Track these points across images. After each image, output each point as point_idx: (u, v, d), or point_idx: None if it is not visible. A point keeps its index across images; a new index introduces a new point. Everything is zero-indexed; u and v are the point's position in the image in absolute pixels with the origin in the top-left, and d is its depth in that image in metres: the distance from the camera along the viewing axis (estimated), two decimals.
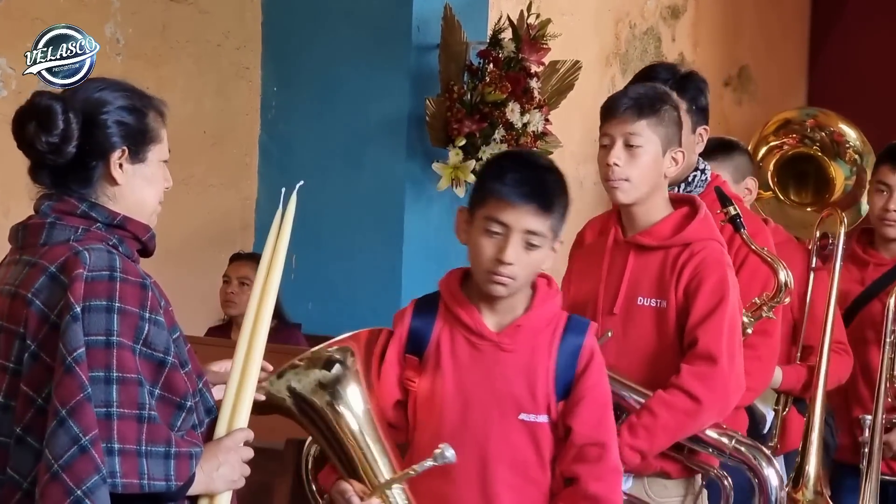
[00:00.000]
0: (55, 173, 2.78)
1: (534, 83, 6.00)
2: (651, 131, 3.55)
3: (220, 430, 2.82)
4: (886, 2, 8.66)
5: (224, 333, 5.97)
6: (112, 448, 2.61)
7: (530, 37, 5.97)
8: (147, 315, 2.68)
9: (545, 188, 3.13)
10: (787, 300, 3.90)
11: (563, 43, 6.29)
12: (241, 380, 2.86)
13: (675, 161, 3.60)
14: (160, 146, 2.84)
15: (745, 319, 3.75)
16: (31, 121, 2.74)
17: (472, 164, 5.89)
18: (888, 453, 4.65)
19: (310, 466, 3.35)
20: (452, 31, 5.94)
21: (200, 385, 2.81)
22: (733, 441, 3.51)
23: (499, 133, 5.88)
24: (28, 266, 2.73)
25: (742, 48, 8.56)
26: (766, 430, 4.46)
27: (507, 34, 5.97)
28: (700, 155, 4.02)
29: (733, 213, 3.80)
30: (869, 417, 4.46)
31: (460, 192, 5.95)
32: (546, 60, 6.08)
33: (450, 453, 3.01)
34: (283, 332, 5.75)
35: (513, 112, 5.89)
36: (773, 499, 3.51)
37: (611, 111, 3.59)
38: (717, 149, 4.52)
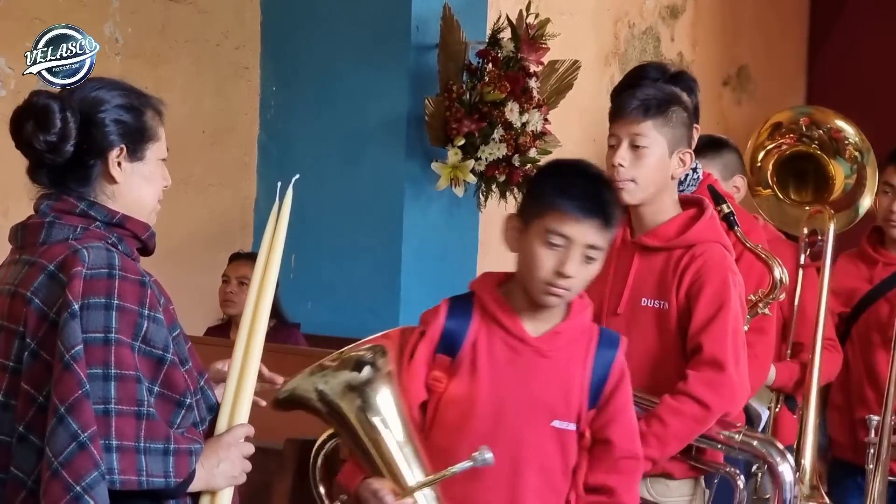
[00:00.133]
0: (53, 172, 2.78)
1: (533, 83, 6.00)
2: (657, 132, 3.55)
3: (221, 426, 2.83)
4: (886, 1, 8.66)
5: (223, 333, 5.97)
6: (110, 445, 2.62)
7: (529, 36, 5.97)
8: (146, 312, 2.69)
9: (607, 203, 3.14)
10: (783, 296, 3.92)
11: (562, 42, 6.29)
12: (241, 375, 2.86)
13: (682, 162, 3.60)
14: (158, 144, 2.85)
15: None
16: (29, 120, 2.74)
17: (471, 163, 5.89)
18: (895, 454, 4.64)
19: (318, 466, 3.31)
20: (451, 30, 5.95)
21: (202, 383, 2.81)
22: (740, 435, 3.51)
23: (498, 133, 5.88)
24: (27, 265, 2.74)
25: (741, 48, 8.56)
26: (760, 429, 4.46)
27: (506, 34, 5.97)
28: None
29: (727, 210, 3.80)
30: (875, 418, 4.44)
31: (459, 191, 5.95)
32: (545, 60, 6.08)
33: (489, 455, 3.00)
34: (283, 331, 5.75)
35: (512, 112, 5.89)
36: (788, 497, 3.49)
37: (618, 111, 3.59)
38: (706, 146, 4.53)
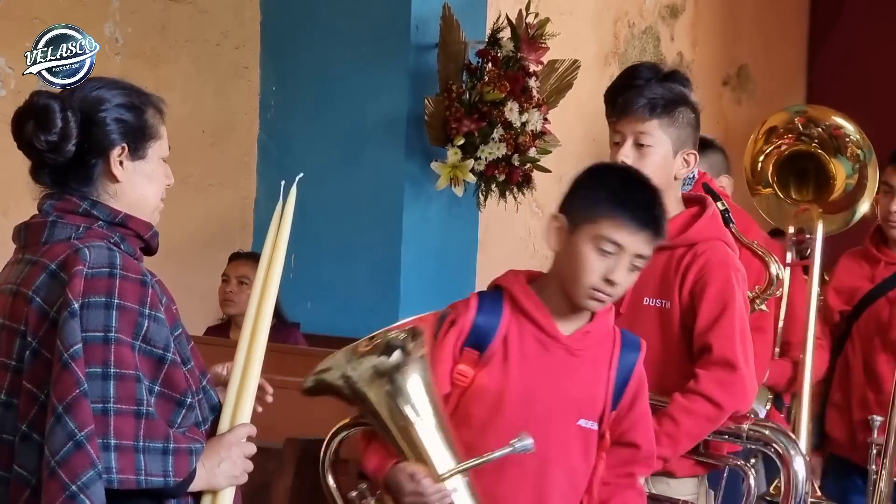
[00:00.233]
0: (55, 172, 2.78)
1: (532, 82, 6.00)
2: (662, 132, 3.55)
3: (223, 425, 2.82)
4: (885, 1, 8.66)
5: (223, 333, 5.97)
6: (108, 443, 2.62)
7: (529, 36, 5.97)
8: (147, 311, 2.69)
9: (661, 216, 3.17)
10: (780, 292, 3.92)
11: (561, 42, 6.29)
12: (244, 375, 2.85)
13: (686, 162, 3.60)
14: (160, 143, 2.85)
15: None
16: (30, 120, 2.74)
17: (471, 163, 5.89)
18: None
19: (328, 459, 3.25)
20: (451, 30, 5.95)
21: (204, 382, 2.81)
22: (747, 424, 3.50)
23: (497, 132, 5.88)
24: (29, 264, 2.74)
25: (741, 47, 8.56)
26: None
27: (506, 33, 5.97)
28: None
29: (721, 208, 3.80)
30: (878, 418, 4.44)
31: (459, 191, 5.96)
32: (545, 59, 6.08)
33: (529, 441, 2.99)
34: (282, 331, 5.76)
35: (511, 111, 5.90)
36: (801, 493, 3.48)
37: (625, 109, 3.59)
38: None
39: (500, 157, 5.90)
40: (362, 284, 6.15)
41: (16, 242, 2.83)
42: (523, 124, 5.93)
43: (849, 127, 5.00)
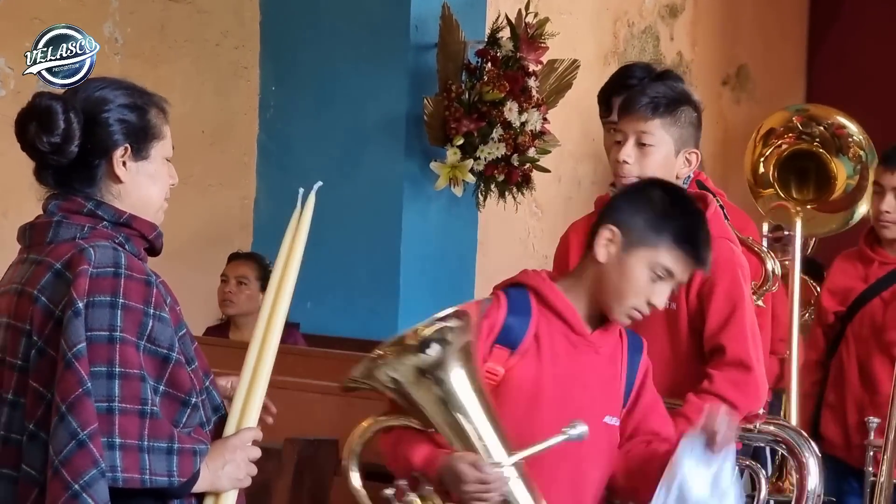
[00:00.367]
0: (59, 173, 2.78)
1: (532, 82, 6.00)
2: (664, 131, 3.55)
3: (230, 428, 2.82)
4: (884, 1, 8.66)
5: (222, 333, 5.97)
6: (113, 442, 2.62)
7: (528, 36, 5.97)
8: (151, 311, 2.69)
9: (710, 254, 3.25)
10: (776, 288, 3.93)
11: (561, 42, 6.29)
12: (252, 379, 2.85)
13: (688, 162, 3.60)
14: (163, 143, 2.84)
15: None
16: (32, 122, 2.74)
17: (470, 163, 5.90)
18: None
19: (357, 458, 3.13)
20: (450, 30, 5.95)
21: (207, 383, 2.81)
22: (758, 423, 3.50)
23: (497, 132, 5.89)
24: (34, 264, 2.74)
25: (740, 47, 8.56)
26: None
27: (506, 33, 5.98)
28: None
29: (717, 205, 3.80)
30: (875, 420, 4.43)
31: (458, 191, 5.96)
32: (544, 59, 6.08)
33: (584, 429, 3.00)
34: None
35: (511, 111, 5.90)
36: (813, 495, 3.47)
37: (627, 108, 3.59)
38: None
39: (500, 157, 5.90)
40: (362, 284, 6.15)
41: (20, 242, 2.83)
42: (522, 124, 5.94)
43: (852, 127, 4.99)
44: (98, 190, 2.78)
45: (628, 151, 3.55)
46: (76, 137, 2.74)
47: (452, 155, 5.90)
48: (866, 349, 4.72)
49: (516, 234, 6.99)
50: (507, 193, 6.07)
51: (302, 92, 6.33)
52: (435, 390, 3.00)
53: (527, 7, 6.01)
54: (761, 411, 4.41)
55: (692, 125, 3.60)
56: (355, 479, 3.11)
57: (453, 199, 6.07)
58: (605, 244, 3.19)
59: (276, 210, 6.28)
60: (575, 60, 6.26)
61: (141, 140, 2.80)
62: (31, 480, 2.65)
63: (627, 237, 3.18)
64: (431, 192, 6.03)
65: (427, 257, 6.13)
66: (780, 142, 5.01)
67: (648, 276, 3.16)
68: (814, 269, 5.56)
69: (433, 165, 5.93)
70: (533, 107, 5.98)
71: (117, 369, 2.64)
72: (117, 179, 2.78)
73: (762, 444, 3.55)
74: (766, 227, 4.88)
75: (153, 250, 2.84)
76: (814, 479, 3.45)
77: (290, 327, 5.94)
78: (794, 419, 4.52)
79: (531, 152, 6.00)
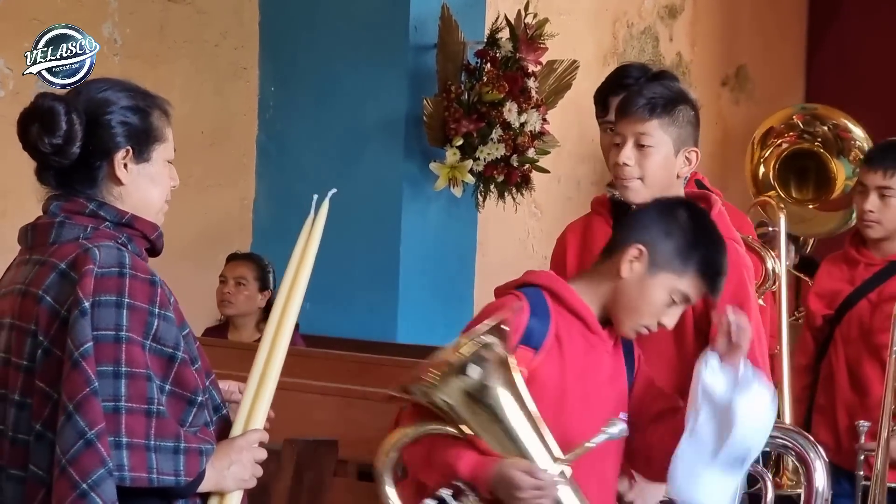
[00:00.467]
0: (60, 174, 2.78)
1: (531, 83, 6.00)
2: (663, 132, 3.54)
3: (236, 429, 2.82)
4: (883, 1, 8.66)
5: (221, 333, 5.96)
6: (120, 442, 2.62)
7: (528, 36, 5.97)
8: (157, 311, 2.69)
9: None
10: (775, 287, 3.93)
11: (560, 42, 6.29)
12: (260, 381, 2.85)
13: (688, 161, 3.59)
14: (165, 145, 2.84)
15: None
16: (35, 122, 2.74)
17: (470, 163, 5.90)
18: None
19: (390, 467, 3.10)
20: (450, 30, 5.95)
21: (208, 382, 2.82)
22: None
23: (496, 133, 5.89)
24: (38, 265, 2.74)
25: (739, 47, 8.57)
26: None
27: (505, 34, 5.98)
28: None
29: None
30: (865, 424, 4.42)
31: (457, 191, 5.96)
32: (543, 60, 6.09)
33: (622, 426, 3.03)
34: None
35: (510, 112, 5.90)
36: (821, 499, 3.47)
37: (624, 109, 3.59)
38: None
39: (499, 157, 5.91)
40: (361, 285, 6.15)
41: (21, 244, 2.83)
42: (522, 125, 5.94)
43: (858, 132, 5.00)
44: (99, 191, 2.78)
45: (628, 153, 3.54)
46: (78, 139, 2.73)
47: (452, 155, 5.90)
48: (855, 352, 4.70)
49: (516, 235, 6.99)
50: (506, 194, 6.07)
51: (301, 92, 6.34)
52: (483, 409, 3.02)
53: (526, 8, 6.02)
54: None
55: (690, 124, 3.60)
56: (391, 493, 3.08)
57: (453, 200, 6.07)
58: (631, 261, 3.20)
59: (275, 211, 6.29)
60: (574, 61, 6.27)
61: (143, 142, 2.80)
62: (38, 481, 2.65)
63: (653, 259, 3.20)
64: (431, 192, 6.03)
65: (426, 258, 6.13)
66: (780, 140, 5.02)
67: (667, 300, 3.19)
68: (813, 268, 5.56)
69: (432, 166, 5.94)
70: (532, 107, 5.98)
71: (124, 369, 2.64)
72: (118, 181, 2.78)
73: (768, 450, 3.54)
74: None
75: (154, 251, 2.84)
76: (821, 482, 3.45)
77: None
78: (787, 418, 4.52)
79: (530, 153, 6.00)
